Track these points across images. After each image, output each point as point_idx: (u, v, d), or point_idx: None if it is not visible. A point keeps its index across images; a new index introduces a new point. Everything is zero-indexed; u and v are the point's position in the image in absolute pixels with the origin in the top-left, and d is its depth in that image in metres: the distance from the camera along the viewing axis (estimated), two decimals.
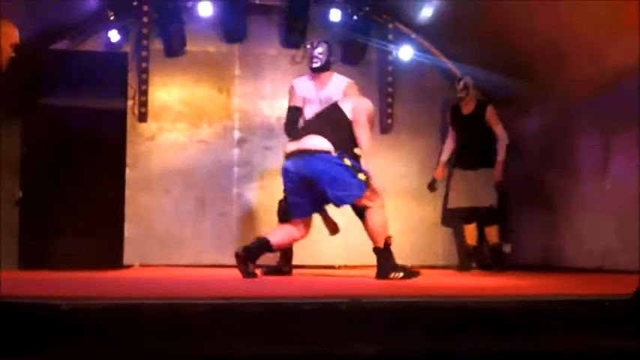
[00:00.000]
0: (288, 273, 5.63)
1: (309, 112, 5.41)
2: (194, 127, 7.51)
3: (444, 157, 7.26)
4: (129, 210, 7.28)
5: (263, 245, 4.93)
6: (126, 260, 7.17)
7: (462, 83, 7.04)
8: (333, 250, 7.14)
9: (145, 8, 7.19)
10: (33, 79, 7.18)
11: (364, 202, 4.91)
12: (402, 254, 7.75)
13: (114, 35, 7.21)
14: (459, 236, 7.50)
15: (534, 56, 6.59)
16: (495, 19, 6.55)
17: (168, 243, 7.29)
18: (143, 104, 7.32)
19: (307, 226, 5.14)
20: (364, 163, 4.87)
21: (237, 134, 7.56)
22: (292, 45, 7.47)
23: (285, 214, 5.24)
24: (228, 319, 2.39)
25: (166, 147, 7.44)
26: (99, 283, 4.19)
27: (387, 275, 4.78)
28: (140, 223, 7.28)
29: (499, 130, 6.92)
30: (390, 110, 7.67)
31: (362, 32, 7.45)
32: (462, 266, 7.09)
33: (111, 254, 7.22)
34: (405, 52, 7.62)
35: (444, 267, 7.37)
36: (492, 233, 7.01)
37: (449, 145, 7.24)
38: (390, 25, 7.58)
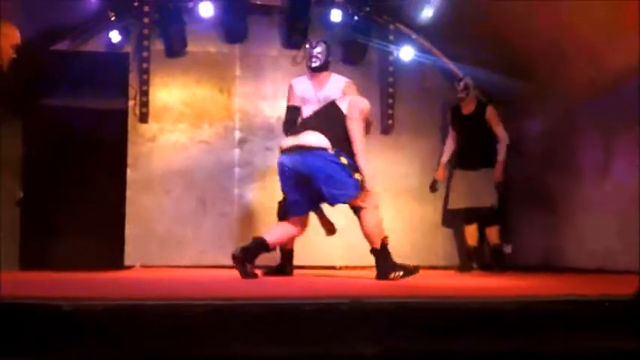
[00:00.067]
0: (289, 273, 5.63)
1: (308, 112, 5.41)
2: (195, 128, 7.51)
3: (445, 158, 7.26)
4: (130, 210, 7.29)
5: (260, 245, 4.91)
6: (127, 261, 7.18)
7: (462, 84, 7.04)
8: (334, 251, 7.14)
9: (146, 9, 7.20)
10: (34, 79, 7.18)
11: (359, 202, 4.91)
12: (402, 254, 7.73)
13: (115, 36, 7.21)
14: (460, 237, 7.50)
15: (534, 56, 6.59)
16: (496, 20, 6.55)
17: (169, 243, 7.29)
18: (144, 105, 7.32)
19: (303, 222, 5.14)
20: (359, 160, 4.85)
21: (238, 135, 7.56)
22: (293, 45, 7.47)
23: (285, 214, 5.25)
24: (229, 320, 2.39)
25: (167, 147, 7.45)
26: (100, 284, 4.19)
27: (387, 275, 4.78)
28: (141, 224, 7.28)
29: (499, 130, 6.93)
30: (390, 111, 7.67)
31: (363, 33, 7.45)
32: (463, 267, 7.10)
33: (112, 255, 7.23)
34: (406, 53, 7.62)
35: (444, 267, 7.37)
36: (493, 234, 7.01)
37: (449, 146, 7.25)
38: (391, 26, 7.59)
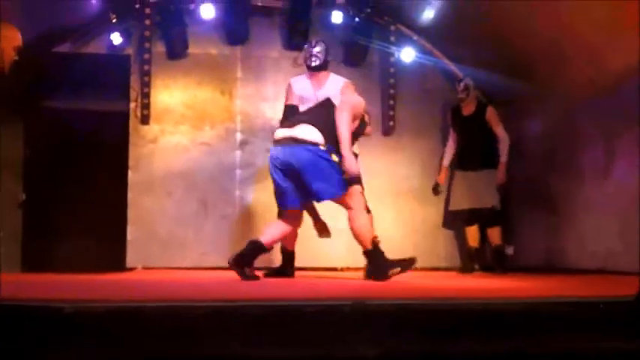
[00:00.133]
0: (290, 275, 5.63)
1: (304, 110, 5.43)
2: (196, 130, 7.52)
3: (446, 161, 7.25)
4: (131, 212, 7.29)
5: (256, 248, 4.90)
6: (128, 263, 7.18)
7: (462, 84, 7.04)
8: (336, 252, 7.14)
9: (148, 11, 7.20)
10: (35, 81, 7.18)
11: (347, 202, 4.92)
12: (404, 256, 7.75)
13: (116, 38, 7.22)
14: (461, 238, 7.49)
15: (535, 57, 6.59)
16: (496, 20, 6.55)
17: (171, 245, 7.29)
18: (145, 107, 7.33)
19: (297, 217, 5.13)
20: (342, 149, 4.82)
21: (239, 136, 7.57)
22: (294, 47, 7.46)
23: (280, 213, 5.25)
24: (230, 322, 2.40)
25: (169, 149, 7.45)
26: (101, 286, 4.19)
27: (386, 274, 4.78)
28: (142, 226, 7.29)
29: (500, 130, 6.92)
30: (392, 112, 7.68)
31: (364, 34, 7.46)
32: (464, 268, 7.09)
33: (113, 256, 7.23)
34: (407, 54, 7.63)
35: (446, 269, 7.37)
36: (494, 235, 7.00)
37: (450, 148, 7.24)
38: (392, 27, 7.59)
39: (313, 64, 5.51)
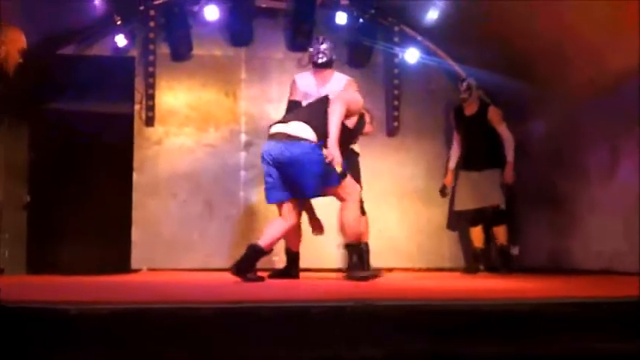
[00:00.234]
0: (295, 276, 5.63)
1: None
2: (201, 131, 7.52)
3: (452, 163, 7.23)
4: (136, 214, 7.30)
5: (257, 252, 4.89)
6: (134, 264, 7.18)
7: (465, 84, 7.03)
8: (340, 254, 7.12)
9: (152, 13, 7.22)
10: (40, 84, 7.19)
11: (340, 194, 4.93)
12: (408, 256, 7.77)
13: (121, 40, 7.23)
14: (466, 238, 7.48)
15: (537, 57, 6.58)
16: (500, 21, 6.55)
17: (176, 247, 7.29)
18: (150, 108, 7.34)
19: (293, 212, 5.09)
20: (329, 141, 4.81)
21: (243, 138, 7.57)
22: (298, 48, 7.47)
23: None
24: (236, 323, 2.39)
25: (173, 151, 7.46)
26: (107, 288, 4.19)
27: (357, 274, 4.82)
28: (147, 227, 7.29)
29: (502, 130, 6.90)
30: (396, 113, 7.68)
31: (368, 35, 7.46)
32: (469, 269, 7.07)
33: (118, 258, 7.23)
34: (411, 55, 7.63)
35: (450, 269, 7.36)
36: (500, 234, 6.98)
37: (455, 151, 7.22)
38: (396, 28, 7.59)
39: (320, 60, 5.53)
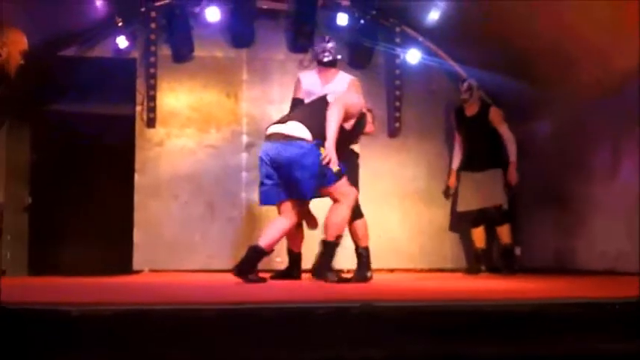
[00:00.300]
0: (297, 277, 5.62)
1: None
2: (202, 133, 7.52)
3: (455, 165, 7.23)
4: (138, 215, 7.29)
5: (258, 252, 4.88)
6: (135, 266, 7.18)
7: (465, 84, 7.04)
8: (342, 254, 7.11)
9: (153, 14, 7.22)
10: (41, 85, 7.20)
11: (333, 194, 4.93)
12: (410, 257, 7.76)
13: (122, 41, 7.22)
14: (468, 239, 7.48)
15: (538, 57, 6.58)
16: (501, 22, 6.54)
17: (178, 248, 7.29)
18: (151, 110, 7.33)
19: (292, 212, 5.07)
20: (327, 143, 4.82)
21: (245, 139, 7.56)
22: (300, 49, 7.48)
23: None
24: (238, 324, 2.39)
25: (175, 152, 7.46)
26: (108, 289, 4.19)
27: (323, 274, 4.83)
28: (149, 229, 7.29)
29: (504, 130, 6.91)
30: (397, 114, 7.67)
31: (369, 36, 7.46)
32: (471, 269, 7.08)
33: (120, 259, 7.23)
34: (413, 56, 7.62)
35: (452, 270, 7.36)
36: (504, 233, 6.97)
37: (458, 152, 7.23)
38: (397, 29, 7.59)
39: (326, 59, 5.54)
